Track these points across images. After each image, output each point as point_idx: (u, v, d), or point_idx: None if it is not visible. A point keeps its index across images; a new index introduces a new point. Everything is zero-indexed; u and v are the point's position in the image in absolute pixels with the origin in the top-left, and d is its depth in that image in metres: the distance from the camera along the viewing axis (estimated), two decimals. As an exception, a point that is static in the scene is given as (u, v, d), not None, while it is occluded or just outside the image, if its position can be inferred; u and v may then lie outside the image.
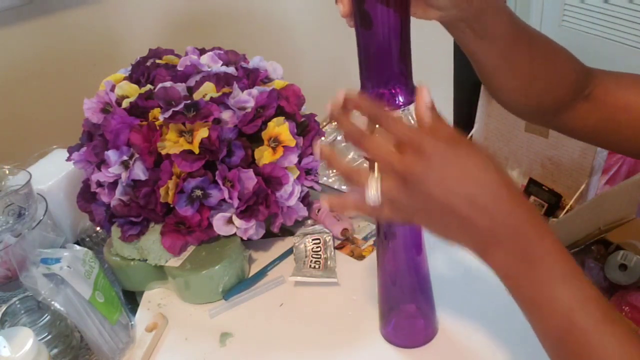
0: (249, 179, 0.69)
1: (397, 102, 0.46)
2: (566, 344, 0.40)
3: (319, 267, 0.72)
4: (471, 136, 1.93)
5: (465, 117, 1.92)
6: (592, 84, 0.57)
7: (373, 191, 0.42)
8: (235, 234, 0.71)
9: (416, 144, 0.41)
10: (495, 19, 0.50)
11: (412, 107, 0.45)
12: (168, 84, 0.70)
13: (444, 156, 0.41)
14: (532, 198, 1.73)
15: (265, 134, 0.71)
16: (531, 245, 0.41)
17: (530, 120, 0.42)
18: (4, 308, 0.63)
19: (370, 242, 0.78)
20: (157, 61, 0.80)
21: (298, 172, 0.74)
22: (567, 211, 1.63)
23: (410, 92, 0.46)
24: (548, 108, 0.58)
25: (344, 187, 1.06)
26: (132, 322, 0.68)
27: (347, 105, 0.44)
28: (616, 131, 0.57)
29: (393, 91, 0.45)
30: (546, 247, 0.41)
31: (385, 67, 0.45)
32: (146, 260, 0.71)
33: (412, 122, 0.45)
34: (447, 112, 1.90)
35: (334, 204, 0.47)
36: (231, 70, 0.75)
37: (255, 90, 0.72)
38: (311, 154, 0.78)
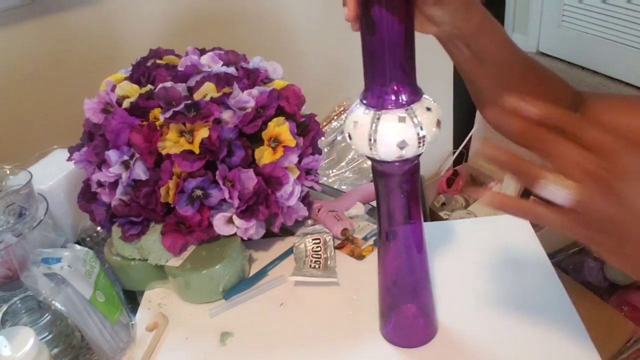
0: (249, 179, 0.69)
1: (400, 101, 0.46)
2: None
3: (319, 267, 0.72)
4: (471, 136, 1.94)
5: (465, 117, 1.92)
6: (582, 107, 0.58)
7: (563, 191, 0.36)
8: (235, 234, 0.71)
9: (612, 149, 0.35)
10: (491, 40, 0.50)
11: (415, 106, 0.46)
12: (168, 84, 0.70)
13: None
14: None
15: (265, 134, 0.71)
16: None
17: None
18: (4, 308, 0.63)
19: (370, 241, 0.78)
20: (158, 61, 0.80)
21: (298, 172, 0.74)
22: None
23: (414, 91, 0.46)
24: None
25: (343, 187, 1.04)
26: (133, 322, 0.68)
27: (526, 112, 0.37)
28: None
29: (397, 90, 0.46)
30: None
31: (389, 68, 0.45)
32: (147, 260, 0.71)
33: (416, 121, 0.45)
34: (447, 112, 1.90)
35: (496, 200, 0.39)
36: (231, 70, 0.75)
37: (255, 91, 0.72)
38: (311, 153, 0.78)
